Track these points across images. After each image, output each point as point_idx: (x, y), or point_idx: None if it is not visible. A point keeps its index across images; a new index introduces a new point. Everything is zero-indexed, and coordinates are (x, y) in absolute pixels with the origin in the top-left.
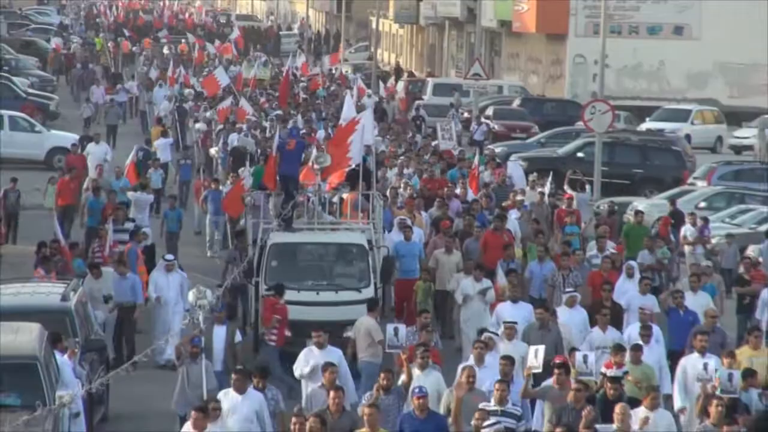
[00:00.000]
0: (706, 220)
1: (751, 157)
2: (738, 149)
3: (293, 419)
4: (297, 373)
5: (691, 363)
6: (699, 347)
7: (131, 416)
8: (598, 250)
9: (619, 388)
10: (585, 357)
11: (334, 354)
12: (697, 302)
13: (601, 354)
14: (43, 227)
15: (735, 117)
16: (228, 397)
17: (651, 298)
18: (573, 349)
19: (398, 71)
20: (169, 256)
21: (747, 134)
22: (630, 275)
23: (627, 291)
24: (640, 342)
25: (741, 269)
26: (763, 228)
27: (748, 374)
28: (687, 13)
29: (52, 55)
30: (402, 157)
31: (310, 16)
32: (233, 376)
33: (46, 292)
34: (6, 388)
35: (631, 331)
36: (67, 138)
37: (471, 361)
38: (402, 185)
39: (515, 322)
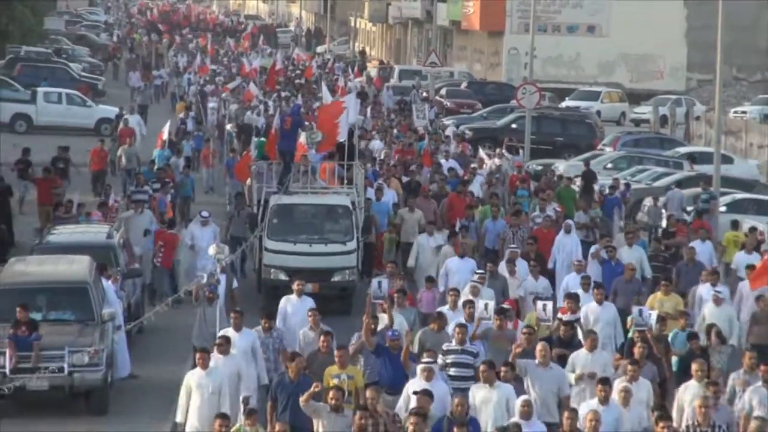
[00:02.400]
0: (627, 185)
1: (647, 128)
2: (637, 122)
3: (293, 359)
4: (279, 317)
5: (591, 309)
6: (597, 299)
7: (163, 329)
8: (540, 211)
9: (570, 330)
10: (544, 306)
11: (308, 302)
12: (632, 255)
13: (534, 298)
14: (88, 183)
15: (635, 97)
16: (228, 335)
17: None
18: (537, 298)
19: (364, 54)
20: (205, 213)
21: (644, 111)
22: (567, 231)
23: (565, 245)
24: (577, 291)
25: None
26: (656, 184)
27: (681, 315)
28: (598, 15)
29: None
30: (373, 132)
31: (302, 16)
32: (232, 315)
33: (95, 231)
34: (64, 306)
35: (569, 279)
36: (111, 111)
37: (445, 307)
38: (383, 155)
39: (484, 272)
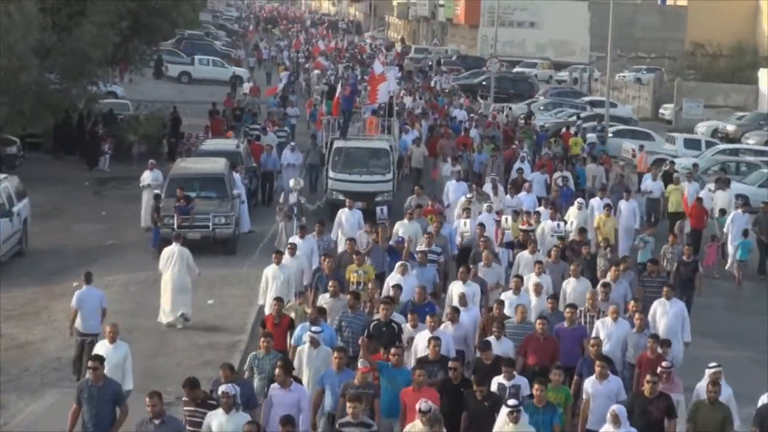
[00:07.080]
0: (578, 127)
1: (565, 86)
2: (559, 82)
3: (326, 260)
4: (336, 224)
5: (548, 225)
6: (551, 216)
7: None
8: (519, 147)
9: (527, 236)
10: (506, 219)
11: (357, 213)
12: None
13: (507, 210)
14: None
15: (558, 66)
16: (295, 242)
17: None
18: (516, 212)
19: (403, 41)
20: (293, 143)
21: (563, 75)
22: (522, 161)
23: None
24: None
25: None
26: (570, 120)
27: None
28: (537, 15)
29: (249, 34)
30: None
31: (355, 14)
32: (298, 227)
33: (229, 143)
34: (209, 188)
35: (523, 196)
36: (239, 71)
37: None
38: (417, 107)
39: (473, 195)
